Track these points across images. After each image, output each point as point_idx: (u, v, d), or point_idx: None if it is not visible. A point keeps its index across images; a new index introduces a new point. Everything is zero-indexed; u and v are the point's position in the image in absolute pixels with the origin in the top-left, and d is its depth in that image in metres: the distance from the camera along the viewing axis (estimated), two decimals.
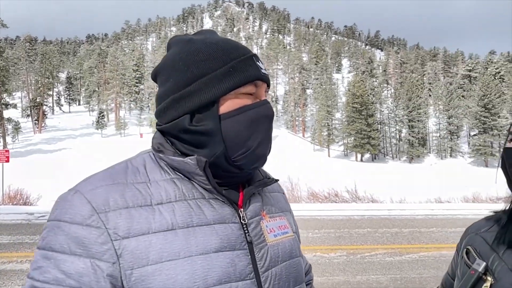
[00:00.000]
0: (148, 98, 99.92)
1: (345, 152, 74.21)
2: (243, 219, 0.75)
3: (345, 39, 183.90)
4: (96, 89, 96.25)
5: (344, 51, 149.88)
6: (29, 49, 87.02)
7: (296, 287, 0.79)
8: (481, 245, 0.81)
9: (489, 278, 0.75)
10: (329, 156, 71.26)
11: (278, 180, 0.88)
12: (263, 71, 0.77)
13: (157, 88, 0.79)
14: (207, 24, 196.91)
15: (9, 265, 4.84)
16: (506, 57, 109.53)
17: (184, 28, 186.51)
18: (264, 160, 0.79)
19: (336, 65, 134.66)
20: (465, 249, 0.85)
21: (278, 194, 0.91)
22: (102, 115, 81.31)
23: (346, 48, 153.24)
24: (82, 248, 0.64)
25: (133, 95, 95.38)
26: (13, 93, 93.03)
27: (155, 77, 0.81)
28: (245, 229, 0.74)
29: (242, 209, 0.76)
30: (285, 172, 14.49)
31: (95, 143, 65.11)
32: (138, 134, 75.06)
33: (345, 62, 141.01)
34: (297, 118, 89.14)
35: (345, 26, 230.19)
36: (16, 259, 5.06)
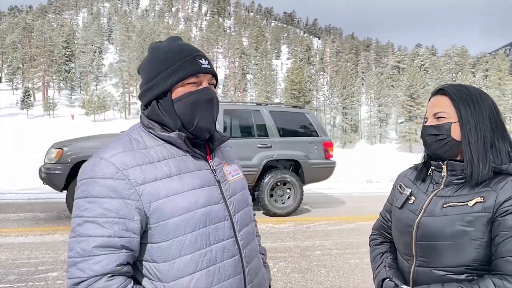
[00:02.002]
0: (79, 78, 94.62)
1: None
2: (212, 167, 1.14)
3: (285, 25, 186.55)
4: (21, 66, 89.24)
5: (283, 38, 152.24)
6: None
7: (246, 207, 1.21)
8: (407, 182, 1.36)
9: (412, 197, 1.29)
10: None
11: (229, 137, 1.24)
12: (203, 66, 1.08)
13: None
14: (144, 2, 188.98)
15: None
16: (430, 50, 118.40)
17: (119, 5, 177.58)
18: (210, 131, 1.14)
19: (276, 51, 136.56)
20: (398, 185, 1.39)
21: (229, 148, 1.31)
22: (28, 94, 75.99)
23: (285, 34, 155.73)
24: (116, 193, 0.96)
25: (62, 73, 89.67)
26: None
27: (139, 72, 1.17)
28: (214, 173, 1.13)
29: (210, 160, 1.15)
30: None
31: (21, 124, 60.76)
32: (69, 116, 71.35)
33: (284, 49, 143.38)
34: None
35: (285, 13, 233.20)
36: None
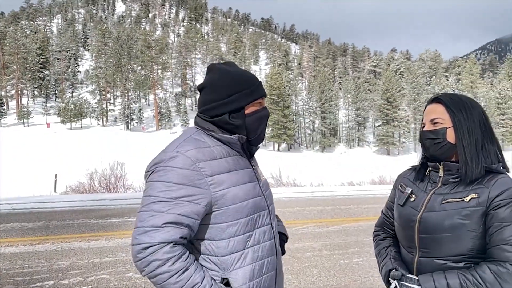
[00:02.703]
0: (54, 85, 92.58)
1: (263, 142, 76.58)
2: (253, 167, 1.46)
3: (262, 31, 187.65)
4: None
5: (261, 43, 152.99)
6: None
7: (272, 204, 1.51)
8: (407, 182, 1.53)
9: (413, 196, 1.45)
10: None
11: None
12: (264, 90, 1.43)
13: (197, 96, 1.42)
14: (120, 8, 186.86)
15: None
16: (405, 55, 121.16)
17: (94, 11, 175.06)
18: (263, 140, 1.49)
19: (254, 56, 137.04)
20: (399, 185, 1.57)
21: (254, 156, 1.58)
22: (1, 103, 73.81)
23: (263, 40, 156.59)
24: (190, 181, 1.22)
25: (37, 81, 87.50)
26: None
27: (202, 88, 1.42)
28: (255, 172, 1.45)
29: (251, 160, 1.47)
30: None
31: None
32: (45, 124, 69.74)
33: (262, 54, 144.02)
34: None
35: (262, 19, 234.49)
36: None
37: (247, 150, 1.45)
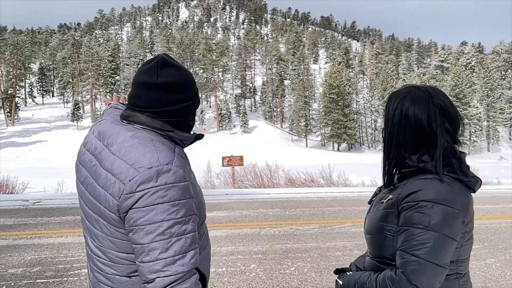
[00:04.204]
0: (124, 90, 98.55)
1: (323, 142, 75.60)
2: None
3: (322, 29, 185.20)
4: (71, 80, 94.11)
5: (321, 42, 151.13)
6: None
7: None
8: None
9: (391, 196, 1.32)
10: (306, 146, 72.48)
11: None
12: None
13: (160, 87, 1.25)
14: (183, 14, 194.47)
15: (20, 241, 5.40)
16: (476, 48, 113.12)
17: (160, 18, 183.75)
18: None
19: (313, 55, 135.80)
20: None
21: None
22: (78, 107, 80.00)
23: (323, 38, 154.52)
24: (189, 193, 1.15)
25: (108, 86, 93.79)
26: None
27: (166, 86, 1.25)
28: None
29: None
30: (264, 160, 15.22)
31: (71, 135, 64.18)
32: None
33: (322, 53, 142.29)
34: (275, 109, 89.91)
35: (322, 17, 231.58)
36: (26, 236, 5.62)
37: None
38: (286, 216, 7.05)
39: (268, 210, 7.55)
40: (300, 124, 76.18)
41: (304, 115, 76.04)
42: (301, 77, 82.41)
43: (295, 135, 77.81)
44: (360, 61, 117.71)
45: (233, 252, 5.00)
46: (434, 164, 1.22)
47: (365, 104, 80.00)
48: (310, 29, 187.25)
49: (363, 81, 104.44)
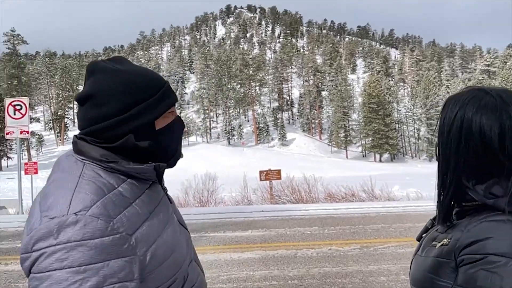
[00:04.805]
0: None
1: (363, 153, 73.80)
2: (165, 190, 1.09)
3: (359, 39, 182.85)
4: None
5: (359, 51, 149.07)
6: (49, 63, 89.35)
7: (181, 218, 1.16)
8: None
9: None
10: (347, 157, 71.01)
11: None
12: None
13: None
14: (220, 31, 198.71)
15: None
16: None
17: (198, 36, 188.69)
18: (180, 157, 1.11)
19: (351, 65, 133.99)
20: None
21: None
22: None
23: (360, 48, 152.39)
24: (111, 254, 0.80)
25: None
26: (36, 107, 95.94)
27: (85, 99, 0.94)
28: (168, 196, 1.10)
29: (162, 183, 1.09)
30: (302, 173, 14.82)
31: None
32: None
33: (359, 63, 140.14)
34: (313, 121, 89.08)
35: (359, 27, 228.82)
36: None
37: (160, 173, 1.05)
38: (325, 235, 6.65)
39: (306, 229, 7.18)
40: (339, 135, 74.98)
41: (343, 126, 74.80)
42: (339, 87, 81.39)
43: (334, 147, 76.54)
44: (400, 69, 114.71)
45: (266, 277, 4.68)
46: (509, 200, 0.86)
47: (407, 113, 77.57)
48: (346, 39, 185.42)
49: (404, 89, 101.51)
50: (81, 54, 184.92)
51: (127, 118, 0.92)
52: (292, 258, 5.41)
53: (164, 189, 1.08)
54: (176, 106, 1.07)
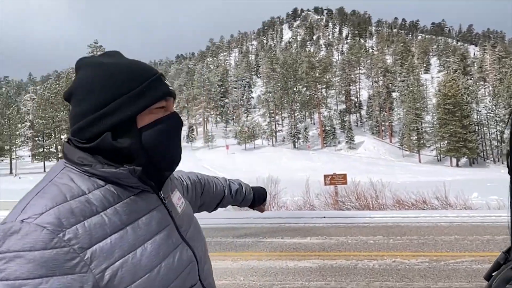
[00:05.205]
0: (232, 111, 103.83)
1: (438, 157, 69.39)
2: (164, 200, 0.92)
3: (433, 37, 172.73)
4: (186, 105, 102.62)
5: (433, 50, 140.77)
6: None
7: (203, 241, 1.01)
8: None
9: None
10: (420, 161, 67.21)
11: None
12: (170, 87, 0.92)
13: (74, 108, 0.87)
14: (287, 34, 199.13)
15: None
16: None
17: (265, 41, 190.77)
18: (178, 163, 0.94)
19: (424, 65, 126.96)
20: None
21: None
22: (192, 129, 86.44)
23: (435, 46, 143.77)
24: (54, 270, 0.68)
25: (218, 109, 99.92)
26: None
27: (69, 97, 0.88)
28: (167, 207, 0.92)
29: (161, 193, 0.92)
30: (370, 178, 14.17)
31: (187, 155, 69.23)
32: (225, 146, 78.35)
33: (434, 61, 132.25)
34: (383, 123, 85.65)
35: (433, 23, 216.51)
36: None
37: (155, 177, 0.91)
38: (390, 246, 6.19)
39: (369, 237, 6.75)
40: (411, 138, 71.30)
41: (415, 128, 71.02)
42: (411, 88, 77.46)
43: (406, 150, 72.88)
44: (480, 67, 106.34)
45: None
46: None
47: (488, 114, 71.63)
48: (419, 37, 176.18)
49: (484, 88, 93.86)
50: (155, 63, 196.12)
51: (103, 114, 0.83)
52: (351, 269, 5.08)
53: (163, 199, 0.93)
54: (169, 100, 0.92)
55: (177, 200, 1.00)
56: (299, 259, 5.49)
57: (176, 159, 0.93)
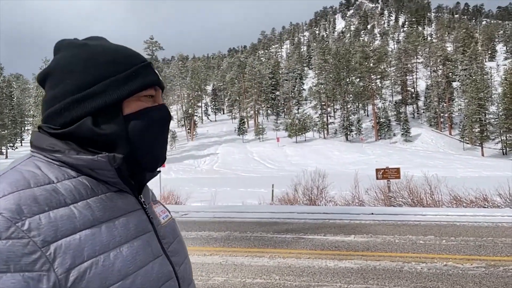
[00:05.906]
0: (283, 104, 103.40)
1: (504, 151, 64.64)
2: (145, 205, 0.82)
3: (499, 21, 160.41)
4: (237, 98, 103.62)
5: (499, 36, 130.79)
6: (181, 66, 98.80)
7: (186, 258, 0.89)
8: None
9: None
10: (482, 155, 62.99)
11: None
12: (160, 77, 0.84)
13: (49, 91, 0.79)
14: (340, 24, 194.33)
15: None
16: None
17: (317, 32, 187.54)
18: (163, 160, 0.85)
19: (489, 52, 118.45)
20: None
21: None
22: (243, 122, 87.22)
23: (501, 32, 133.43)
24: (8, 264, 0.59)
25: (269, 101, 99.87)
26: (170, 107, 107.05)
27: (44, 79, 0.80)
28: (147, 213, 0.82)
29: (141, 197, 0.83)
30: (425, 173, 13.40)
31: (238, 147, 69.98)
32: (275, 138, 78.27)
33: (500, 48, 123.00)
34: (441, 114, 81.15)
35: (499, 7, 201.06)
36: None
37: (135, 176, 0.82)
38: (442, 247, 5.73)
39: (419, 237, 6.30)
40: (473, 130, 66.98)
41: (478, 119, 66.57)
42: (474, 77, 72.54)
43: (467, 143, 68.62)
44: None
45: None
46: None
47: None
48: (484, 22, 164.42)
49: None
50: (208, 56, 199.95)
51: (85, 96, 0.75)
52: (396, 272, 4.73)
53: (144, 204, 0.83)
54: (158, 90, 0.83)
55: (161, 212, 0.90)
56: (340, 259, 5.22)
57: (161, 157, 0.83)
